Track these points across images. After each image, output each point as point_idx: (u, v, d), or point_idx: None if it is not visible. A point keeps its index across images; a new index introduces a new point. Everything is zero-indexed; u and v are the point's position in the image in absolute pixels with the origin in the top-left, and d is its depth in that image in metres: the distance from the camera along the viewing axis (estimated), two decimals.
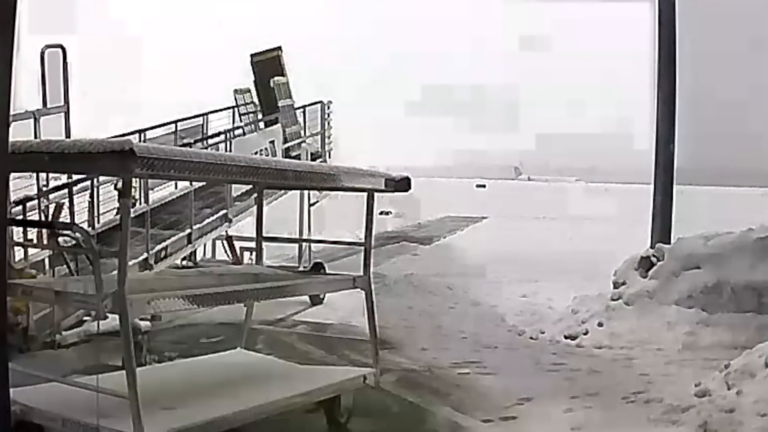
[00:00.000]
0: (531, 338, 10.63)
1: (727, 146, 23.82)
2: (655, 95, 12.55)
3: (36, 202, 8.62)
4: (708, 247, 10.64)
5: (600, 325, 10.29)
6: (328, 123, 15.58)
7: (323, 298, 11.48)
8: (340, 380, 6.11)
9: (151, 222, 10.01)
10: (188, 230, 11.00)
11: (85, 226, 8.85)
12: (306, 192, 12.71)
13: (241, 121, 14.86)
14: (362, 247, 6.37)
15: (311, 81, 18.07)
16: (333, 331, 10.22)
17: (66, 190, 9.05)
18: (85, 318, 8.17)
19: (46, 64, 9.17)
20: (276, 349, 7.79)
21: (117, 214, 9.08)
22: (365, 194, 6.32)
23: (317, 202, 14.03)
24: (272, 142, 13.61)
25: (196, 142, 12.59)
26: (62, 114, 9.28)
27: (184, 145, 11.59)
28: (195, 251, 11.83)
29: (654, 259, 10.87)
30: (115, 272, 4.55)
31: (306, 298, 11.04)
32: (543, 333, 10.73)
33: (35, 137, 8.21)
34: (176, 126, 12.86)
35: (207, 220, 11.54)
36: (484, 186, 54.11)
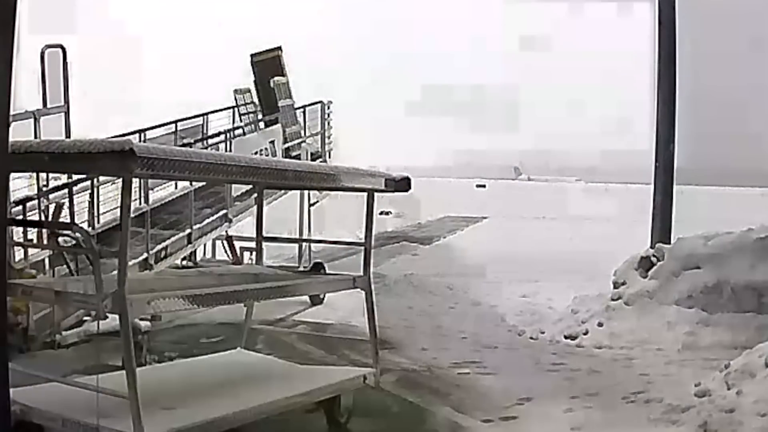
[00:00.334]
0: (531, 338, 10.64)
1: (727, 146, 23.85)
2: (655, 95, 12.56)
3: (36, 202, 8.61)
4: (708, 247, 10.63)
5: (600, 325, 10.29)
6: (328, 123, 15.58)
7: (323, 298, 11.47)
8: (340, 380, 6.10)
9: (151, 222, 10.01)
10: (188, 230, 11.00)
11: (85, 226, 8.86)
12: (306, 192, 12.71)
13: (241, 121, 14.87)
14: (362, 247, 6.36)
15: (311, 81, 18.08)
16: (333, 331, 10.21)
17: (66, 190, 9.04)
18: (85, 318, 8.17)
19: (46, 64, 9.16)
20: (276, 349, 7.77)
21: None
22: (365, 194, 6.32)
23: (317, 202, 14.02)
24: (272, 142, 13.61)
25: (196, 142, 12.60)
26: (62, 114, 9.27)
27: (184, 145, 11.60)
28: (195, 251, 11.84)
29: (654, 259, 10.87)
30: (115, 272, 4.54)
31: (306, 298, 11.04)
32: (543, 333, 10.73)
33: (35, 137, 8.20)
34: (176, 126, 12.88)
35: (207, 220, 11.54)
36: (484, 186, 54.07)
